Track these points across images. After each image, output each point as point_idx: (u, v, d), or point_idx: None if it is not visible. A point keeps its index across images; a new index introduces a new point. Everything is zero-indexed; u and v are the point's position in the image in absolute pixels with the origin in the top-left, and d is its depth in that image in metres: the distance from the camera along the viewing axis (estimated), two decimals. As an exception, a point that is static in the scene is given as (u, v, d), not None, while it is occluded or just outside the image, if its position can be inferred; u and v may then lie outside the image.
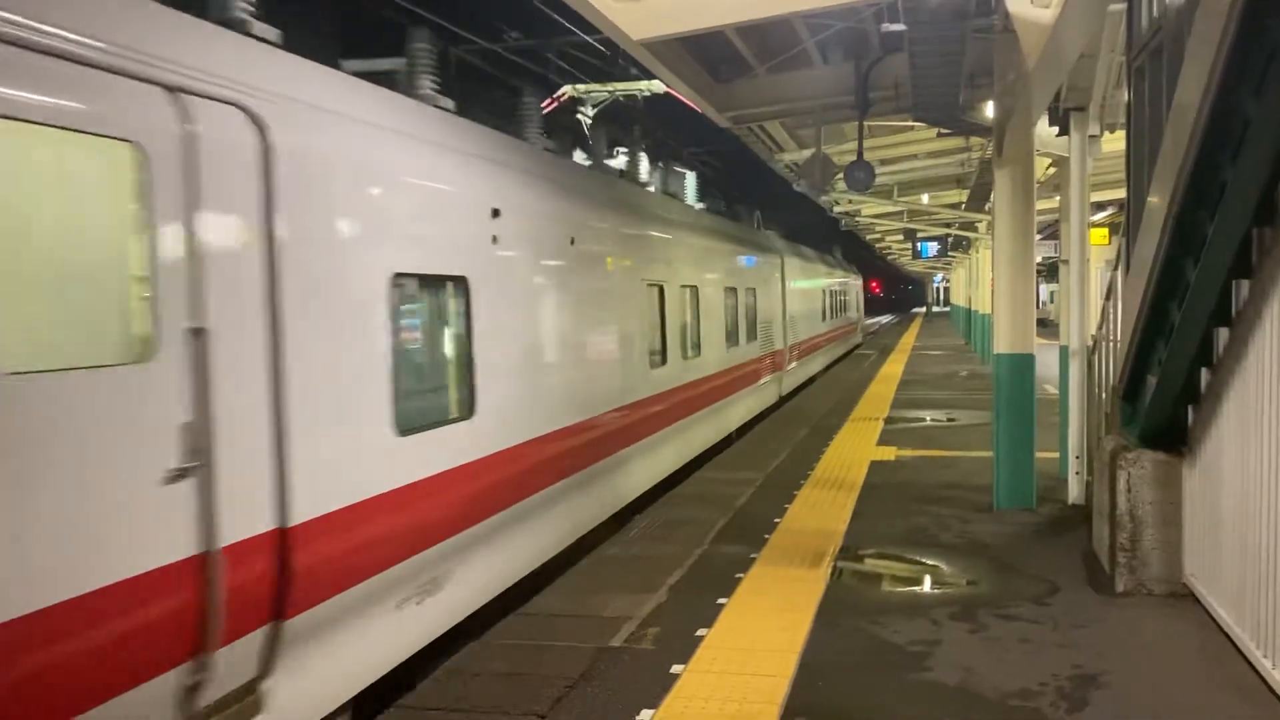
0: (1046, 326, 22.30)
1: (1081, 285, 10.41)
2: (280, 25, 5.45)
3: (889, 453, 13.76)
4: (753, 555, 8.53)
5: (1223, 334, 6.19)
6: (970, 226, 29.57)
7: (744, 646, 6.36)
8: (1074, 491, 10.17)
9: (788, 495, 10.98)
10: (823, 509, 10.30)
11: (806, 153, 14.35)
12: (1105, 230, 18.64)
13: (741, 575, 7.94)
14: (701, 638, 6.53)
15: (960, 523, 9.59)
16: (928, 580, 7.99)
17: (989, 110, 10.78)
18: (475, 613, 6.85)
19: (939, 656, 6.16)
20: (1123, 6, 7.38)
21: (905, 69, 9.16)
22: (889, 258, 63.67)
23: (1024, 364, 10.02)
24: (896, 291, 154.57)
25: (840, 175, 12.69)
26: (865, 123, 13.41)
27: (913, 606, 7.17)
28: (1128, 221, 7.69)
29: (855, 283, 41.56)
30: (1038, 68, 7.74)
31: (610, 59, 16.01)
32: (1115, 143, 10.70)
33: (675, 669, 6.01)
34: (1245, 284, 5.79)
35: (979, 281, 30.47)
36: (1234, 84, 4.69)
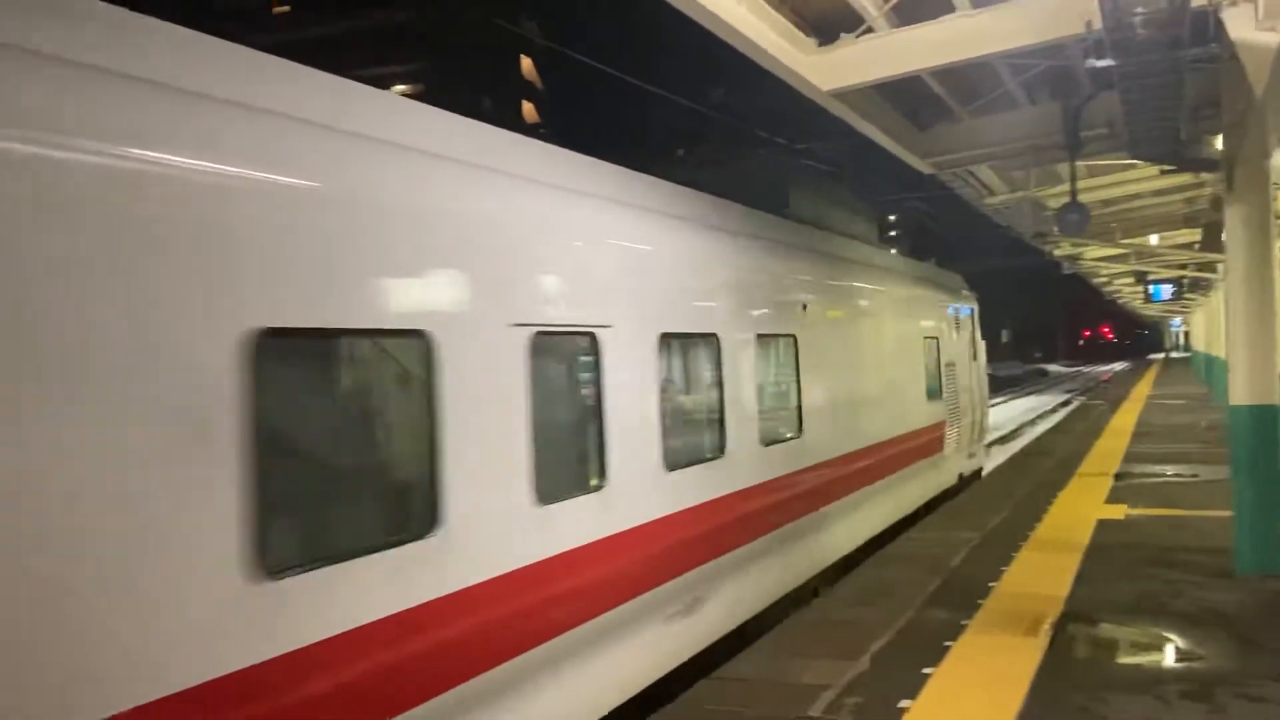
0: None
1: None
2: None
3: (1118, 511, 12.88)
4: (964, 621, 8.09)
5: None
6: (1209, 267, 27.60)
7: (949, 721, 6.01)
8: (1332, 556, 9.17)
9: (1005, 557, 10.40)
10: (1043, 572, 9.69)
11: (1015, 195, 13.79)
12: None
13: (951, 643, 7.53)
14: (904, 710, 6.21)
15: (1196, 589, 8.81)
16: (1157, 653, 7.35)
17: (1218, 143, 10.05)
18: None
19: (1169, 740, 5.63)
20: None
21: (1119, 106, 8.64)
22: (1119, 301, 60.41)
23: (1266, 416, 9.18)
24: (1130, 336, 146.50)
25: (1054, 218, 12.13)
26: (1082, 163, 12.81)
27: (1140, 682, 6.60)
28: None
29: (938, 317, 15.78)
30: (1267, 95, 7.16)
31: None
32: (1367, 172, 9.75)
33: (874, 743, 5.73)
34: None
35: (1220, 325, 28.32)
36: None
